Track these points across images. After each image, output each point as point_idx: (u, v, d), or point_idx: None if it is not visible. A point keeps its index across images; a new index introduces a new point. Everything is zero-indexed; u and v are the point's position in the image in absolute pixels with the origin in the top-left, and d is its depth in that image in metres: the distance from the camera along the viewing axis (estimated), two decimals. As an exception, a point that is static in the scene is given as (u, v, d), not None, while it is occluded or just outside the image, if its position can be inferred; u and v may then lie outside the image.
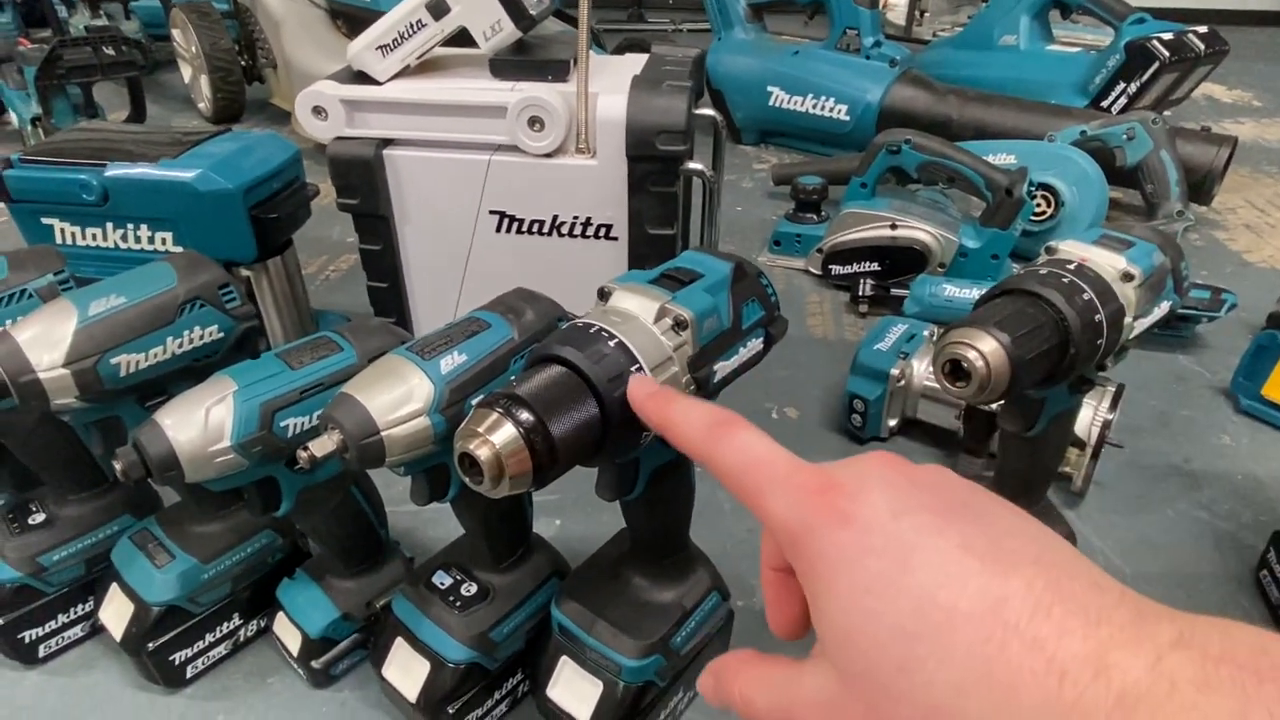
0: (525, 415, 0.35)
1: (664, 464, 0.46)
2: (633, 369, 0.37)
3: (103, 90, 1.70)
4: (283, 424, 0.49)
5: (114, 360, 0.50)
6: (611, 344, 0.38)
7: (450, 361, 0.46)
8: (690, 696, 0.58)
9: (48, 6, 2.41)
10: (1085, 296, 0.48)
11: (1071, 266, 0.49)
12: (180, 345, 0.53)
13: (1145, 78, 1.42)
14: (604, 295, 0.42)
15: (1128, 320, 0.50)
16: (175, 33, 1.92)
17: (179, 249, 0.82)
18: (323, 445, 0.43)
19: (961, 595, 0.20)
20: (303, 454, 0.43)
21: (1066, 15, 1.64)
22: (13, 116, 1.69)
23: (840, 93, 1.58)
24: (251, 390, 0.48)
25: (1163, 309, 0.54)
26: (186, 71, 1.97)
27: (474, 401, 0.47)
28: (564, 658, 0.53)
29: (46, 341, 0.48)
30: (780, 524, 0.24)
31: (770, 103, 1.66)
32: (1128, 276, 0.50)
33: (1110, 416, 0.74)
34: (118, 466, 0.46)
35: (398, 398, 0.44)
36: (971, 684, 0.19)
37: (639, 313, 0.40)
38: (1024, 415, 0.55)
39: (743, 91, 1.68)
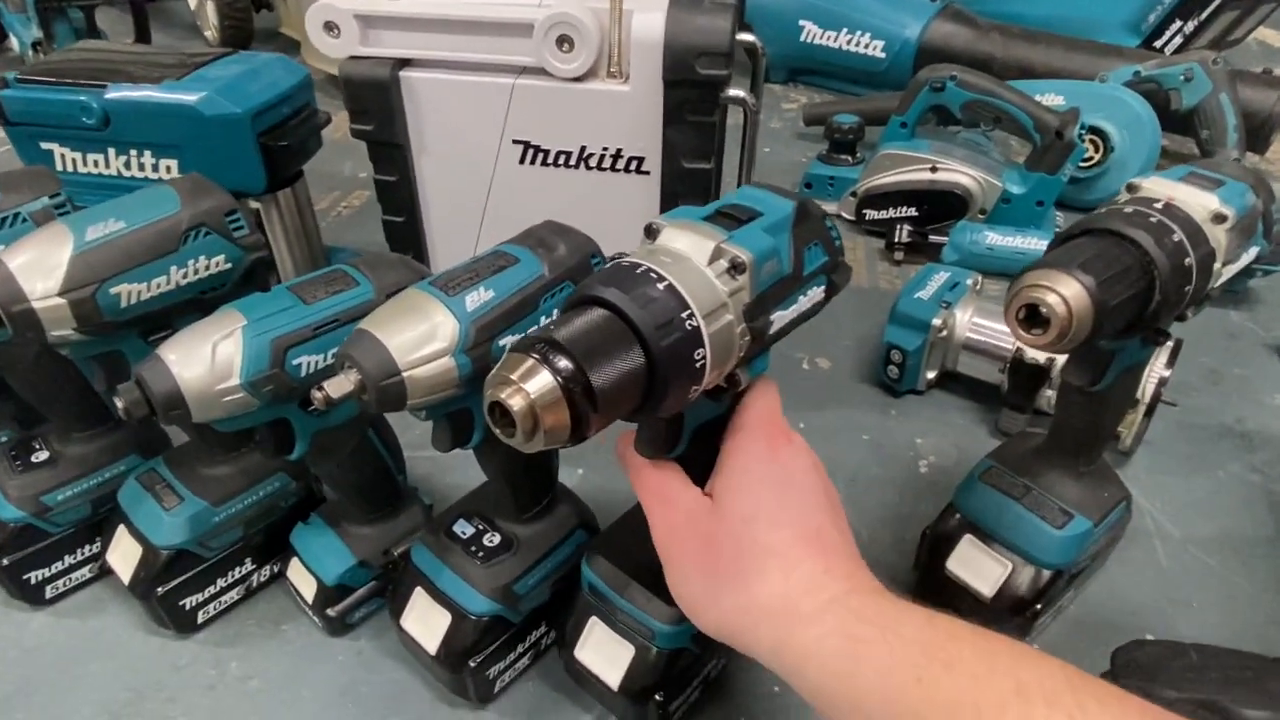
0: (564, 363, 0.31)
1: (708, 420, 0.42)
2: (683, 314, 0.33)
3: (106, 16, 1.64)
4: (295, 362, 0.46)
5: (113, 290, 0.46)
6: (660, 286, 0.33)
7: (476, 298, 0.43)
8: (722, 664, 0.55)
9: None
10: (1175, 238, 0.43)
11: (1159, 205, 0.45)
12: (185, 275, 0.49)
13: (1205, 15, 1.34)
14: (651, 233, 0.38)
15: (1217, 266, 0.46)
16: (180, -44, 1.84)
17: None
18: (339, 386, 0.39)
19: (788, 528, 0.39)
20: (318, 394, 0.39)
21: (1121, -53, 1.55)
22: (13, 41, 1.63)
23: (877, 28, 1.49)
24: (262, 325, 0.45)
25: (1250, 254, 0.50)
26: (192, -2, 1.90)
27: (505, 343, 0.43)
28: (594, 619, 0.50)
29: (41, 268, 0.45)
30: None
31: (802, 38, 1.58)
32: (1219, 218, 0.46)
33: (1167, 373, 0.69)
34: (119, 404, 0.43)
35: (420, 336, 0.41)
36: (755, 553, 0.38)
37: (691, 253, 0.36)
38: (1092, 368, 0.51)
39: (773, 25, 1.60)
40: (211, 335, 0.44)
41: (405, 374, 0.40)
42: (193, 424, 0.45)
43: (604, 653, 0.50)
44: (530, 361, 0.31)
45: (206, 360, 0.43)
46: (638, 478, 0.43)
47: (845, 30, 1.53)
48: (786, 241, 0.39)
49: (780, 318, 0.39)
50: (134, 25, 1.69)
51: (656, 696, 0.49)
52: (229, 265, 0.51)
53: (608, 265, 0.35)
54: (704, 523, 0.40)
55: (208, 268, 0.50)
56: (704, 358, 0.34)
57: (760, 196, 0.40)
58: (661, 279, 0.34)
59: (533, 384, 0.31)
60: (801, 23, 1.57)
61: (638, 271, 0.34)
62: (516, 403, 0.31)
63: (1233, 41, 1.52)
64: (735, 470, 0.40)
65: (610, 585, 0.49)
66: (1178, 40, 1.39)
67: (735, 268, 0.36)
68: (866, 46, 1.51)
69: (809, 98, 1.61)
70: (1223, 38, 1.44)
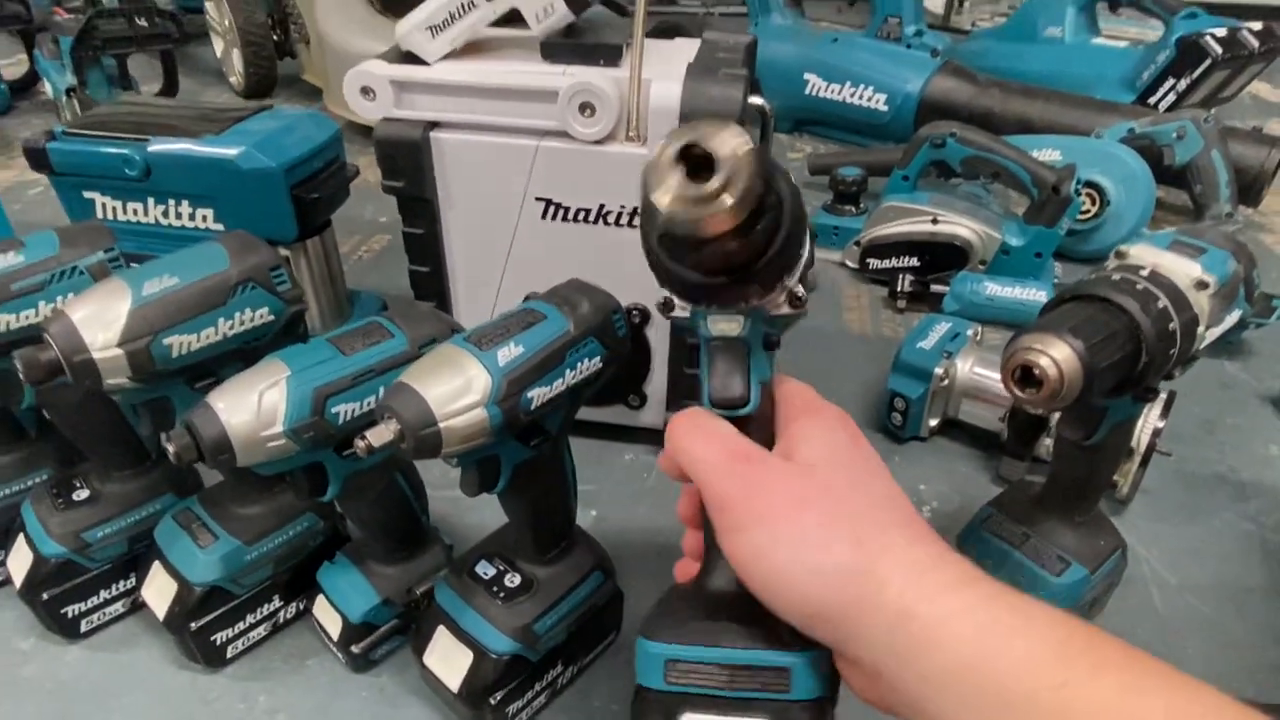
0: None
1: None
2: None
3: (135, 62, 1.69)
4: (334, 410, 0.49)
5: (166, 341, 0.49)
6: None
7: (507, 353, 0.46)
8: None
9: (81, -25, 2.41)
10: (1160, 304, 0.46)
11: (1145, 272, 0.48)
12: (231, 327, 0.52)
13: (1196, 74, 1.39)
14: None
15: (1201, 330, 0.49)
16: (209, 6, 1.91)
17: (219, 226, 0.82)
18: (380, 435, 0.42)
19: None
20: (360, 443, 0.42)
21: (1115, 9, 1.61)
22: (47, 86, 1.69)
23: (879, 82, 1.55)
24: (305, 375, 0.48)
25: (1233, 318, 0.53)
26: (219, 45, 1.97)
27: (532, 395, 0.46)
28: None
29: (101, 321, 0.48)
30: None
31: (807, 90, 1.64)
32: (1202, 285, 0.49)
33: (1161, 424, 0.72)
34: (170, 449, 0.46)
35: (456, 389, 0.44)
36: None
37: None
38: (1085, 423, 0.53)
39: (778, 78, 1.65)
40: (258, 384, 0.47)
41: (442, 424, 0.43)
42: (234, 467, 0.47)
43: None
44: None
45: (253, 408, 0.46)
46: (705, 431, 0.38)
47: (848, 84, 1.58)
48: None
49: None
50: (163, 72, 1.75)
51: None
52: (272, 317, 0.54)
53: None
54: (795, 480, 0.35)
55: (253, 319, 0.53)
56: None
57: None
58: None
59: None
60: (806, 76, 1.63)
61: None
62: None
63: (1225, 98, 1.57)
64: (827, 442, 0.36)
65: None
66: (1171, 97, 1.43)
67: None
68: (869, 100, 1.56)
69: (814, 147, 1.67)
70: (1215, 95, 1.49)
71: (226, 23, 1.84)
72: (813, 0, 1.79)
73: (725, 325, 0.38)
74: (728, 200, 0.30)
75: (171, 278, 0.50)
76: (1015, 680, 0.28)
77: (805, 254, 0.36)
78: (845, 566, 0.32)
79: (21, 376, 0.48)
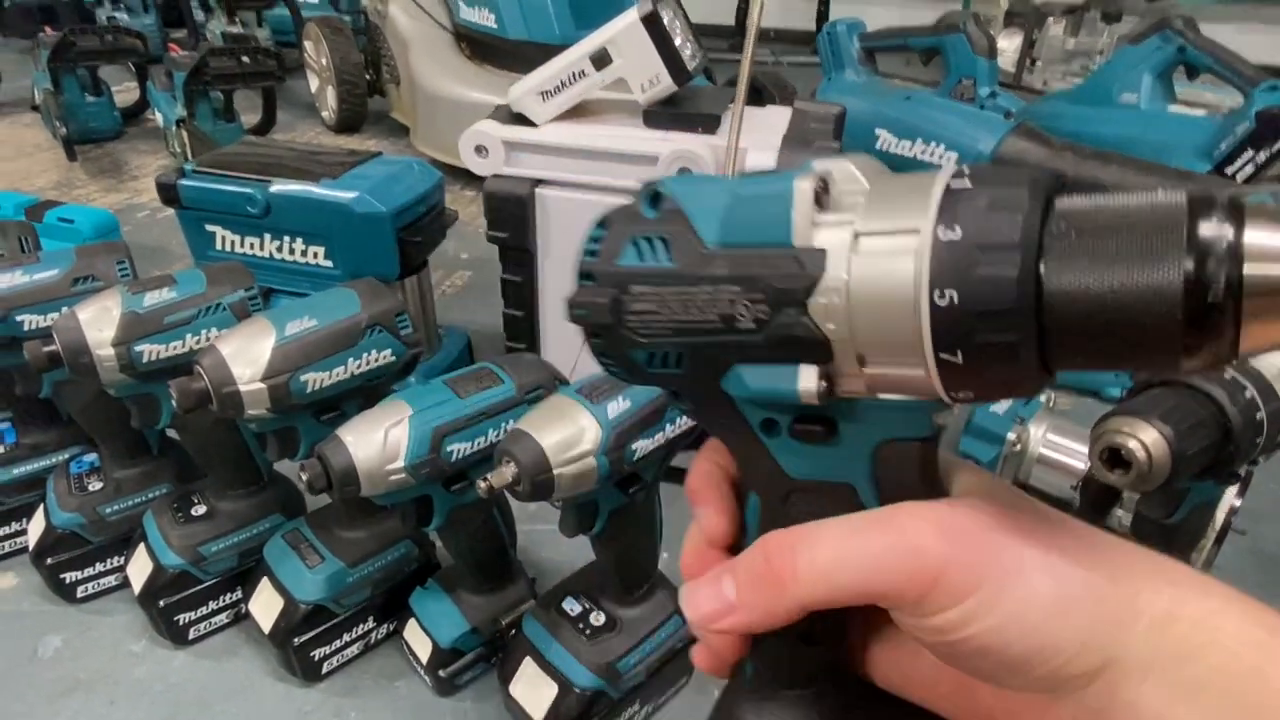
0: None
1: None
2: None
3: (239, 96, 1.80)
4: (449, 448, 0.52)
5: (304, 378, 0.54)
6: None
7: (617, 407, 0.49)
8: None
9: (187, 11, 2.58)
10: (1248, 394, 0.48)
11: (1233, 362, 0.49)
12: (359, 366, 0.57)
13: (1276, 148, 1.38)
14: None
15: (1287, 419, 0.50)
16: (307, 44, 2.03)
17: (329, 263, 0.88)
18: (500, 477, 0.46)
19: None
20: (482, 484, 0.46)
21: (1194, 77, 1.61)
22: (157, 115, 1.81)
23: (951, 140, 1.57)
24: (425, 415, 0.52)
25: (1319, 407, 0.54)
26: (314, 81, 2.08)
27: (636, 447, 0.49)
28: None
29: (247, 357, 0.53)
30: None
31: (877, 145, 1.66)
32: (1289, 375, 0.50)
33: (1238, 503, 0.72)
34: (304, 477, 0.50)
35: (570, 438, 0.47)
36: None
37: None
38: (1167, 504, 0.55)
39: (849, 133, 1.67)
40: (384, 422, 0.51)
41: (556, 471, 0.46)
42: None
43: None
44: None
45: (379, 444, 0.51)
46: (838, 527, 0.27)
47: (919, 140, 1.60)
48: None
49: None
50: (262, 106, 1.86)
51: None
52: (394, 359, 0.59)
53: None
54: (988, 512, 0.26)
55: (378, 360, 0.58)
56: None
57: None
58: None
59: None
60: (877, 131, 1.66)
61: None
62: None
63: (1305, 169, 1.55)
64: (1004, 490, 0.28)
65: None
66: (1249, 169, 1.42)
67: None
68: (940, 158, 1.58)
69: (882, 201, 1.69)
70: (1295, 166, 1.47)
71: (324, 61, 1.94)
72: (884, 55, 1.83)
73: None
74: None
75: (311, 319, 0.55)
76: None
77: None
78: (1098, 579, 0.26)
79: (174, 403, 0.53)
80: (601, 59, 0.70)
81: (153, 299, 0.58)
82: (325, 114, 2.04)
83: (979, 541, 0.26)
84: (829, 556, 0.26)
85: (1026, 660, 0.26)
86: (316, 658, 0.64)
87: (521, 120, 0.74)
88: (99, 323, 0.57)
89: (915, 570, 0.25)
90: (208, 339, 0.58)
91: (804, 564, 0.26)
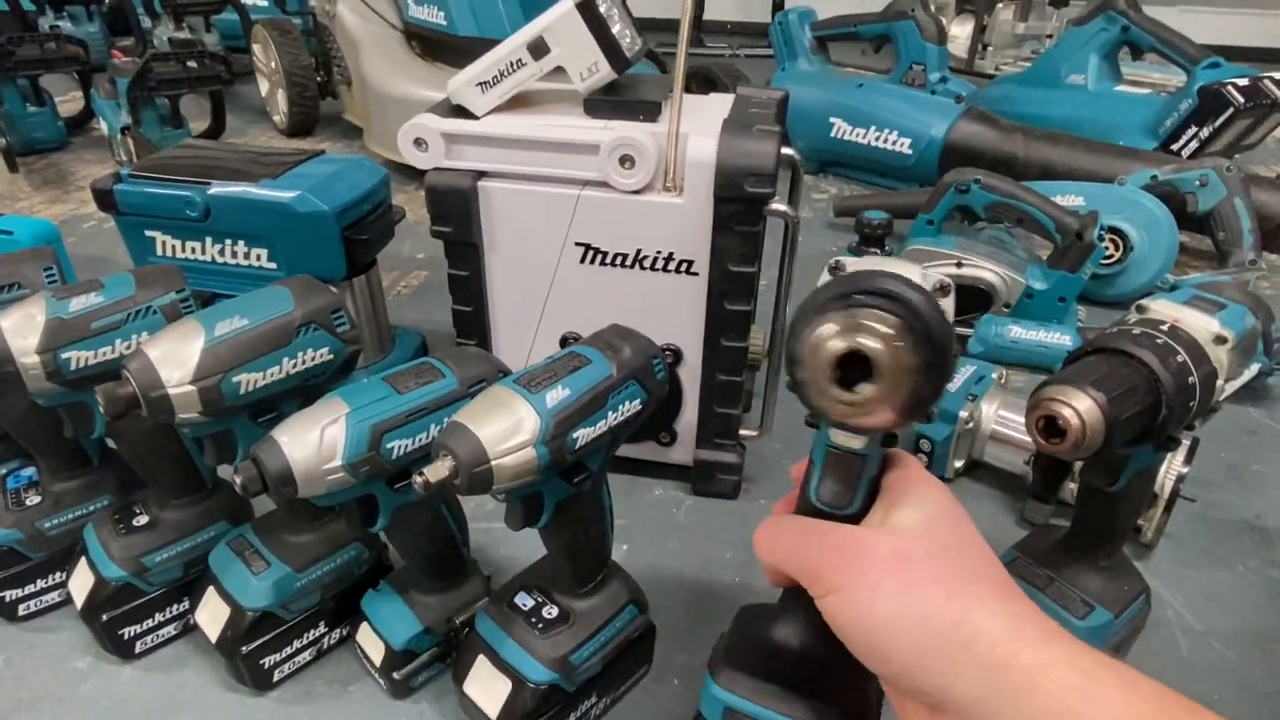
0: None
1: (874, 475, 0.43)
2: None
3: (184, 101, 1.77)
4: (389, 445, 0.51)
5: (235, 379, 0.53)
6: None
7: (555, 396, 0.48)
8: None
9: (133, 18, 2.52)
10: (1179, 359, 0.48)
11: (1164, 328, 0.50)
12: (295, 366, 0.56)
13: (1219, 123, 1.41)
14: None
15: (1219, 383, 0.50)
16: (256, 48, 1.99)
17: (273, 265, 0.86)
18: (437, 471, 0.45)
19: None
20: (418, 479, 0.45)
21: (1138, 56, 1.64)
22: (102, 124, 1.77)
23: (904, 126, 1.58)
24: (363, 412, 0.51)
25: (1252, 370, 0.54)
26: (264, 85, 2.04)
27: (577, 436, 0.49)
28: None
29: (176, 359, 0.51)
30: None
31: (832, 134, 1.68)
32: (1220, 340, 0.51)
33: (1185, 470, 0.73)
34: (238, 480, 0.49)
35: (507, 428, 0.46)
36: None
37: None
38: (1108, 470, 0.55)
39: (804, 121, 1.70)
40: (320, 420, 0.50)
41: (494, 462, 0.46)
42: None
43: None
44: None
45: (315, 443, 0.49)
46: (787, 527, 0.42)
47: (874, 128, 1.62)
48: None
49: None
50: (211, 111, 1.83)
51: None
52: (331, 356, 0.57)
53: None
54: (886, 541, 0.37)
55: (314, 359, 0.57)
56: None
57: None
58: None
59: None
60: (832, 120, 1.67)
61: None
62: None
63: (1248, 145, 1.59)
64: (926, 501, 0.38)
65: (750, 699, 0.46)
66: (1193, 145, 1.45)
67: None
68: (894, 143, 1.60)
69: (839, 188, 1.70)
70: (1237, 142, 1.51)
71: (273, 64, 1.91)
72: (838, 45, 1.84)
73: (848, 441, 0.39)
74: (888, 414, 0.31)
75: (241, 319, 0.54)
76: None
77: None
78: (941, 618, 0.34)
79: (101, 409, 0.51)
80: (539, 48, 0.70)
81: (79, 304, 0.57)
82: (277, 118, 2.01)
83: (851, 562, 0.37)
84: (771, 542, 0.42)
85: (867, 656, 0.36)
86: (266, 665, 0.63)
87: (462, 113, 0.73)
88: (23, 330, 0.55)
89: (808, 569, 0.39)
90: (138, 344, 0.57)
91: (761, 542, 0.43)
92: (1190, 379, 0.48)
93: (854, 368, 0.32)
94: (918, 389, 0.31)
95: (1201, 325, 0.51)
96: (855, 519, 0.41)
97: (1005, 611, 0.34)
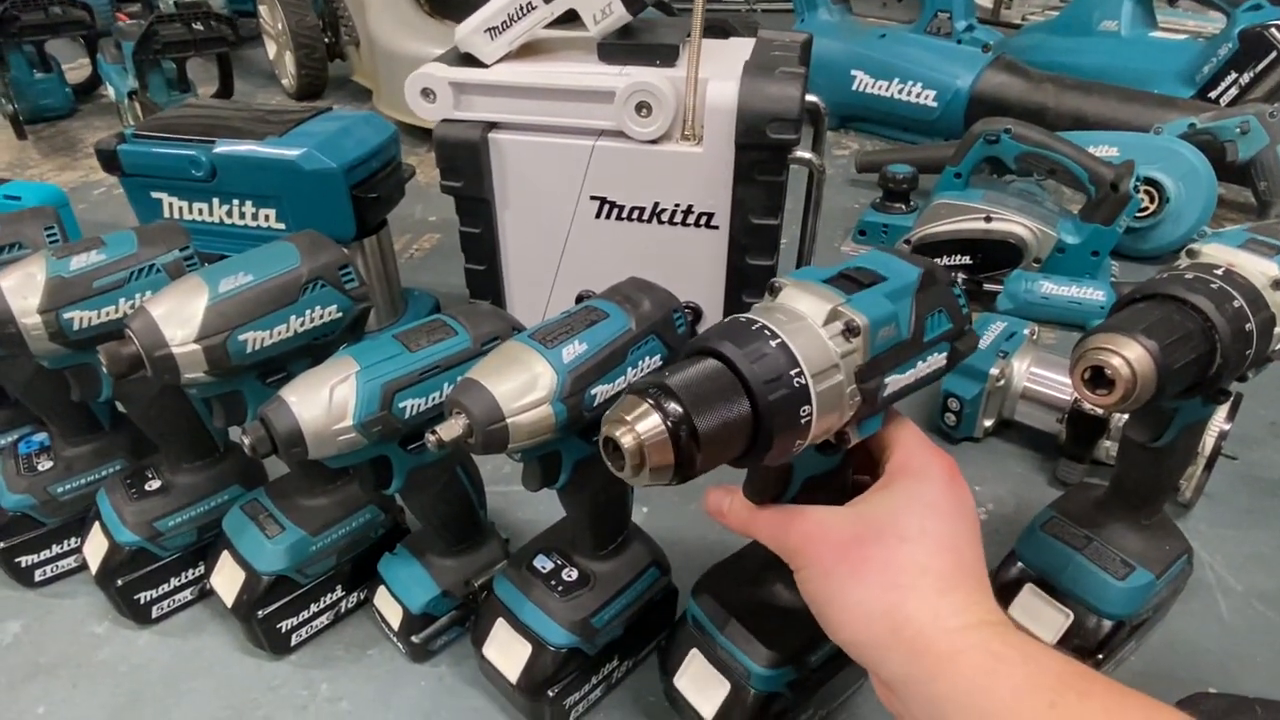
0: (673, 407, 0.34)
1: (819, 474, 0.44)
2: (792, 371, 0.36)
3: (191, 65, 1.74)
4: (401, 405, 0.50)
5: (241, 337, 0.51)
6: (773, 344, 0.36)
7: (572, 350, 0.46)
8: (823, 715, 0.57)
9: (139, -18, 2.48)
10: (1235, 304, 0.45)
11: (1219, 271, 0.47)
12: (302, 324, 0.54)
13: (1260, 68, 1.35)
14: (773, 291, 0.41)
15: (1277, 330, 0.47)
16: (262, 10, 1.96)
17: (281, 225, 0.84)
18: (450, 430, 0.43)
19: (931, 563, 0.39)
20: (430, 438, 0.43)
21: (1174, 2, 1.56)
22: (109, 89, 1.74)
23: (929, 78, 1.53)
24: (373, 371, 0.49)
25: (1311, 318, 0.51)
26: (271, 48, 2.01)
27: (596, 392, 0.47)
28: (694, 651, 0.53)
29: (179, 317, 0.50)
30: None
31: (854, 87, 1.62)
32: (1278, 284, 0.47)
33: (1227, 427, 0.70)
34: (246, 441, 0.47)
35: (522, 385, 0.44)
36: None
37: (808, 313, 0.38)
38: (1154, 424, 0.52)
39: (825, 74, 1.64)
40: (329, 379, 0.48)
41: (509, 420, 0.44)
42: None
43: (700, 685, 0.52)
44: (644, 405, 0.34)
45: (324, 403, 0.48)
46: (751, 516, 0.44)
47: (896, 80, 1.57)
48: (908, 308, 0.40)
49: (895, 381, 0.40)
50: (219, 74, 1.80)
51: None
52: (340, 314, 0.56)
53: (726, 321, 0.38)
54: (847, 528, 0.41)
55: (322, 317, 0.55)
56: (809, 414, 0.36)
57: (886, 261, 0.43)
58: (775, 336, 0.36)
59: (643, 425, 0.34)
60: (853, 72, 1.62)
61: (753, 328, 0.37)
62: (627, 440, 0.34)
63: (1290, 92, 1.52)
64: (905, 491, 0.41)
65: (712, 621, 0.51)
66: (1233, 91, 1.39)
67: (850, 330, 0.38)
68: (918, 96, 1.54)
69: (860, 144, 1.65)
70: (1279, 88, 1.44)
71: (280, 26, 1.88)
72: (859, -5, 1.78)
73: None
74: (644, 478, 0.35)
75: (246, 275, 0.52)
76: (1014, 700, 0.34)
77: (810, 421, 0.38)
78: (875, 604, 0.38)
79: (104, 370, 0.50)
80: (550, -10, 0.66)
81: (80, 262, 0.55)
82: (285, 81, 1.98)
83: (812, 546, 0.41)
84: (754, 527, 0.45)
85: (825, 625, 0.41)
86: (284, 630, 0.62)
87: (471, 61, 0.70)
88: (23, 289, 0.54)
89: (785, 549, 0.43)
90: (141, 302, 0.55)
91: (736, 524, 0.46)
92: (1247, 325, 0.45)
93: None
94: (674, 477, 0.35)
95: (1258, 269, 0.48)
96: (840, 470, 0.45)
97: (937, 603, 0.38)
